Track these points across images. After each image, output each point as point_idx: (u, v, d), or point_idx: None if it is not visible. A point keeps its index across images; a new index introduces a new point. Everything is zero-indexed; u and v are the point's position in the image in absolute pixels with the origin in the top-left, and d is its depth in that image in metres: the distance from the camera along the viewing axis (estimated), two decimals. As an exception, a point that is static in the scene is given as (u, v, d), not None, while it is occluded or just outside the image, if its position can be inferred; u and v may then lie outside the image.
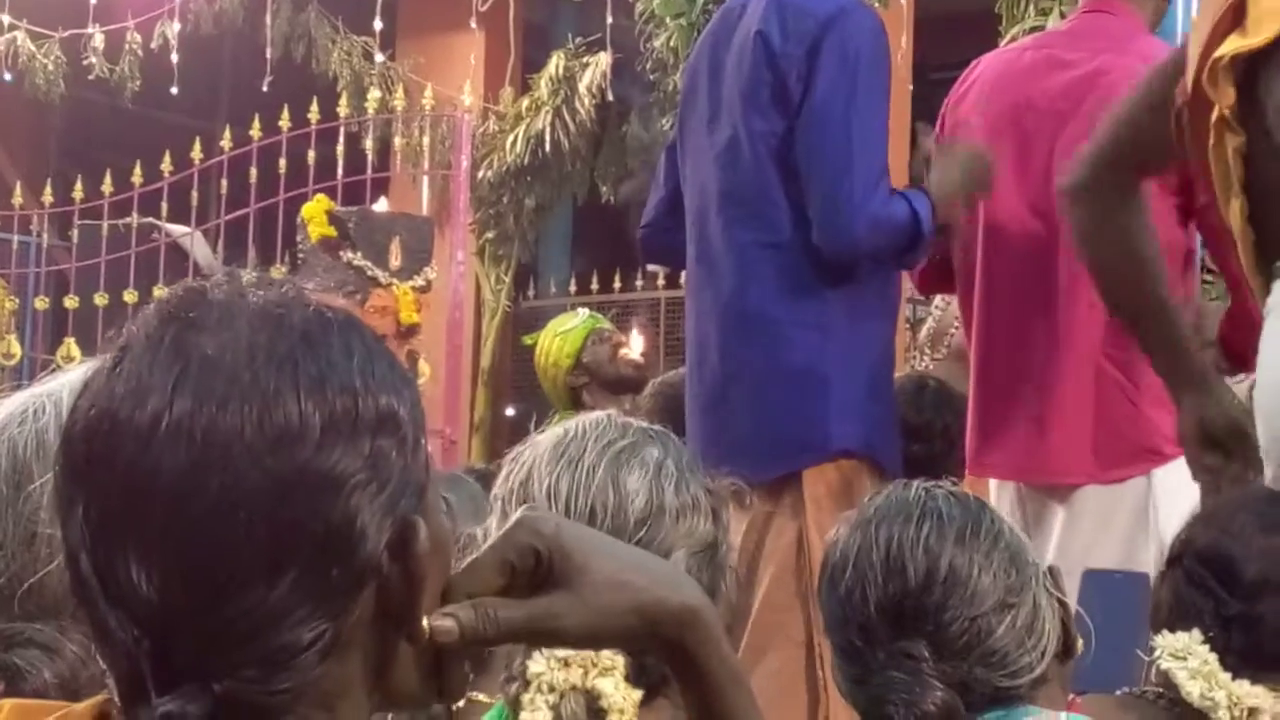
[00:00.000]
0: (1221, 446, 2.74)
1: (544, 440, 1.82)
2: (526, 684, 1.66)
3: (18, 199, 9.05)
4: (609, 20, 9.56)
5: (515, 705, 1.67)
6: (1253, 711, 2.21)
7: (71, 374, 1.58)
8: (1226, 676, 2.22)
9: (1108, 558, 3.27)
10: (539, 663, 1.65)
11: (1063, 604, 2.01)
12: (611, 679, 1.65)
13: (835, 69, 3.23)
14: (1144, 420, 3.32)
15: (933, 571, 1.93)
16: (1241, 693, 2.22)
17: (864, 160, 3.20)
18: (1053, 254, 3.36)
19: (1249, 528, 2.32)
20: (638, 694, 1.67)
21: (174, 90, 9.81)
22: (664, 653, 1.20)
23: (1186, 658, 2.23)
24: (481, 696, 1.94)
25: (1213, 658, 2.23)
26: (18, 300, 9.27)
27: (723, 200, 3.38)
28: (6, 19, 10.11)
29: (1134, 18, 3.52)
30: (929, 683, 1.91)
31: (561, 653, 1.65)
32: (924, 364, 5.46)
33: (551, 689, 1.65)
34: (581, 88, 10.31)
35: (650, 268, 9.21)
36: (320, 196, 7.88)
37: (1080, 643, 2.04)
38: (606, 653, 1.65)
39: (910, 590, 1.93)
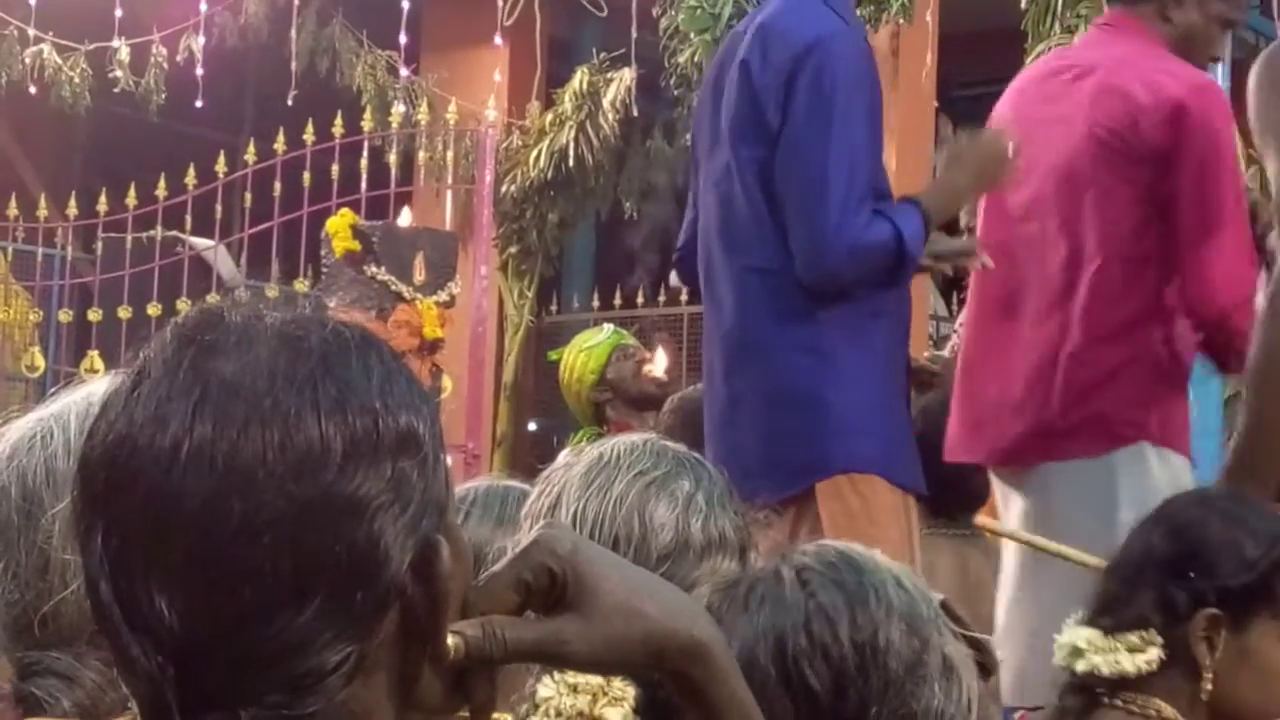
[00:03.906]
0: None
1: (578, 462, 1.80)
2: (534, 706, 1.64)
3: (42, 211, 9.06)
4: (634, 35, 9.55)
5: None
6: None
7: (76, 394, 1.57)
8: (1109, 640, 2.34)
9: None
10: (548, 686, 1.64)
11: (966, 635, 1.96)
12: (620, 710, 1.63)
13: (809, 100, 3.22)
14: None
15: (839, 677, 1.84)
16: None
17: (840, 189, 3.19)
18: (1036, 260, 3.48)
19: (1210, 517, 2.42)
20: None
21: (198, 104, 9.84)
22: (672, 684, 1.19)
23: (1083, 645, 2.33)
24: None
25: (1095, 633, 2.34)
26: (41, 313, 9.30)
27: (719, 226, 3.40)
28: (33, 32, 10.14)
29: (1144, 36, 3.52)
30: None
31: (571, 678, 1.63)
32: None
33: (558, 714, 1.63)
34: (605, 103, 10.31)
35: (674, 283, 9.20)
36: (345, 211, 7.90)
37: (998, 656, 2.00)
38: (618, 682, 1.63)
39: (822, 706, 1.87)
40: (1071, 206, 3.43)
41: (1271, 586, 2.36)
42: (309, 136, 8.55)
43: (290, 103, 9.53)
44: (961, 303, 5.29)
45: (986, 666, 1.95)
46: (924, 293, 8.61)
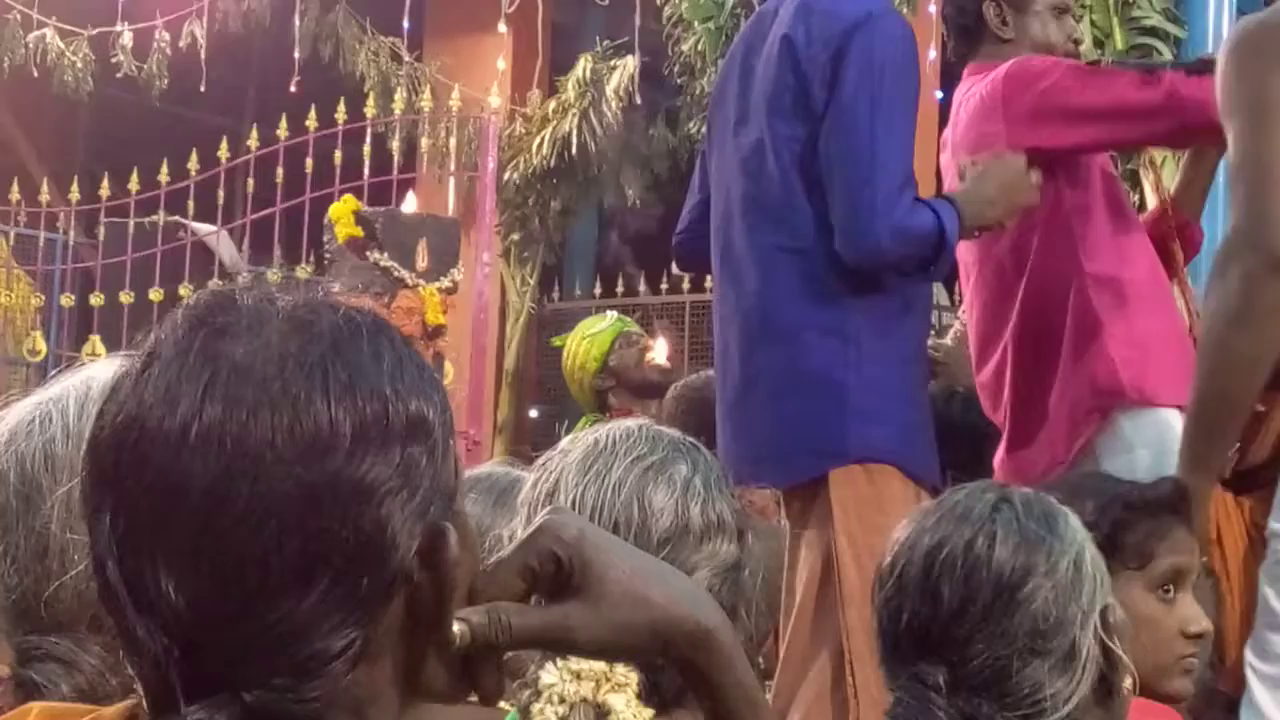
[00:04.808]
0: None
1: (574, 449, 1.81)
2: (538, 693, 1.64)
3: (45, 196, 9.06)
4: (637, 23, 9.55)
5: (525, 713, 1.66)
6: None
7: (75, 378, 1.56)
8: None
9: None
10: (551, 673, 1.64)
11: (1108, 648, 1.95)
12: (623, 695, 1.63)
13: (860, 76, 3.18)
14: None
15: (967, 603, 1.88)
16: None
17: (887, 168, 3.16)
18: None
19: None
20: (648, 712, 1.65)
21: (201, 89, 9.83)
22: (678, 670, 1.19)
23: None
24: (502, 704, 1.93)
25: None
26: (44, 297, 9.30)
27: (746, 204, 3.35)
28: (36, 16, 10.13)
29: (993, 70, 3.55)
30: (935, 715, 1.89)
31: (575, 665, 1.63)
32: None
33: (561, 700, 1.63)
34: (609, 91, 10.31)
35: (675, 271, 9.21)
36: (348, 197, 7.89)
37: (1129, 683, 1.99)
38: (620, 668, 1.63)
39: (940, 617, 1.89)
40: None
41: (1116, 541, 2.41)
42: (312, 122, 8.54)
43: (293, 89, 9.52)
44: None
45: (1111, 687, 1.94)
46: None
